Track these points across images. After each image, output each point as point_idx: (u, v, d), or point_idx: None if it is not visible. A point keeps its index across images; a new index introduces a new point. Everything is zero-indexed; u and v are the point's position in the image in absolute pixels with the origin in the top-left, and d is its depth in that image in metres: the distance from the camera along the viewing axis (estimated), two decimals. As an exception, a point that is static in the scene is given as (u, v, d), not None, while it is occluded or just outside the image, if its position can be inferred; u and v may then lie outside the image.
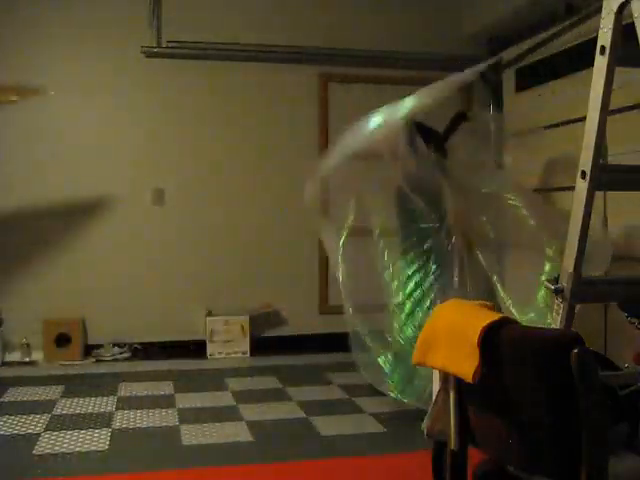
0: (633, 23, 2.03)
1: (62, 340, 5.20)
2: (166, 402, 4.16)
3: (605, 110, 2.15)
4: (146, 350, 5.45)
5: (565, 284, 2.21)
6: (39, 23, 5.17)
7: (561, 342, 1.56)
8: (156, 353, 5.43)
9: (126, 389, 4.47)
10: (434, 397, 1.92)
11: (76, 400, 4.16)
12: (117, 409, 4.02)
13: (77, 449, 3.35)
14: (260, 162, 5.66)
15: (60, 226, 5.30)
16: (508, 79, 5.80)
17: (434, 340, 1.85)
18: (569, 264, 2.22)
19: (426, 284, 4.06)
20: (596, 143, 2.15)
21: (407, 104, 3.94)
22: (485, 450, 1.85)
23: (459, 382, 1.79)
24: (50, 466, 3.14)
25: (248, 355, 5.44)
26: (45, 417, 3.83)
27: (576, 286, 2.21)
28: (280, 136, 5.61)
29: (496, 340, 1.67)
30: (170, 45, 5.42)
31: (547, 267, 3.63)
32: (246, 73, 5.55)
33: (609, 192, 3.88)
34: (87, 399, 4.19)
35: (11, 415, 3.85)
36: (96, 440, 3.47)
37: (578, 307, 2.26)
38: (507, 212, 3.97)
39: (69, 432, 3.58)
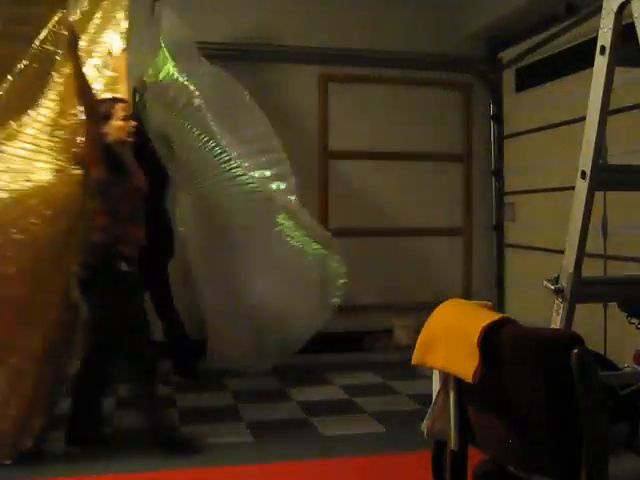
0: (633, 23, 2.03)
1: (62, 340, 5.18)
2: (166, 402, 4.15)
3: (605, 110, 2.15)
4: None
5: (565, 284, 2.22)
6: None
7: (561, 342, 1.57)
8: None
9: (126, 389, 4.46)
10: (434, 397, 1.92)
11: (76, 400, 4.15)
12: (117, 409, 4.01)
13: (77, 449, 3.34)
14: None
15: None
16: (508, 79, 5.80)
17: (434, 340, 1.85)
18: (569, 264, 2.22)
19: None
20: (596, 143, 2.15)
21: None
22: (485, 450, 1.85)
23: (459, 382, 1.79)
24: (50, 466, 3.14)
25: (248, 355, 5.44)
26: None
27: (576, 286, 2.21)
28: (280, 136, 5.60)
29: (496, 340, 1.67)
30: (170, 45, 5.41)
31: None
32: (246, 73, 5.54)
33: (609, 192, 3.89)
34: (87, 399, 4.18)
35: (11, 415, 3.84)
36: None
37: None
38: None
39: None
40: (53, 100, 3.35)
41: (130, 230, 3.37)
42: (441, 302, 1.94)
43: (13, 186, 3.24)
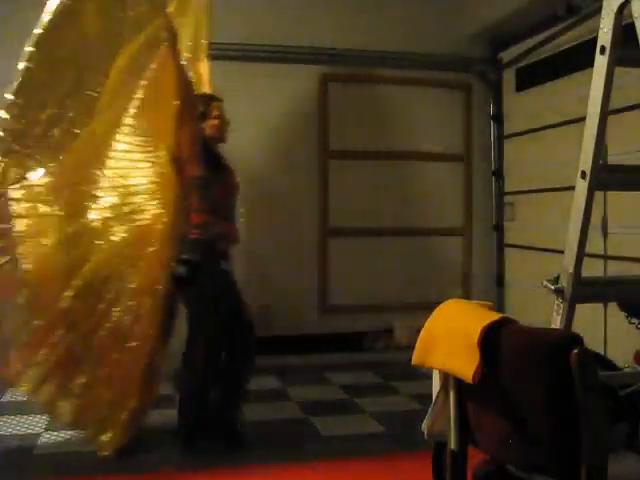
0: (633, 23, 2.03)
1: (62, 340, 5.18)
2: (166, 402, 4.15)
3: (605, 110, 2.15)
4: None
5: (565, 284, 2.22)
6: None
7: (561, 343, 1.57)
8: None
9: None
10: (434, 397, 1.92)
11: (76, 400, 4.15)
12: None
13: (77, 449, 3.35)
14: (260, 162, 5.66)
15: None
16: (508, 79, 5.80)
17: (434, 340, 1.85)
18: (569, 264, 2.22)
19: None
20: (596, 143, 2.15)
21: None
22: (485, 450, 1.85)
23: (459, 382, 1.79)
24: (50, 466, 3.14)
25: (248, 355, 5.43)
26: (45, 417, 3.82)
27: (576, 286, 2.21)
28: (280, 136, 5.61)
29: (496, 340, 1.67)
30: (170, 45, 5.41)
31: None
32: (246, 73, 5.55)
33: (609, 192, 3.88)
34: (87, 399, 4.19)
35: (11, 415, 3.85)
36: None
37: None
38: None
39: (69, 432, 3.57)
40: (147, 106, 3.34)
41: (228, 228, 3.41)
42: (441, 302, 1.94)
43: (119, 189, 3.28)
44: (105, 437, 3.20)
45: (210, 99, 3.51)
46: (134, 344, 3.18)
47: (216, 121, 3.41)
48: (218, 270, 3.34)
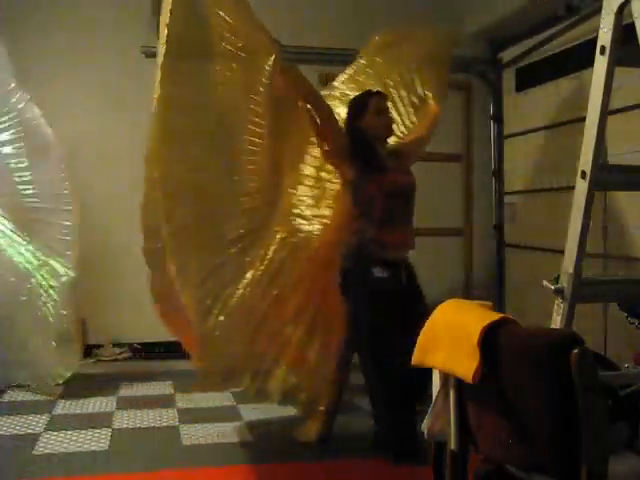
0: (633, 23, 2.03)
1: (62, 340, 5.18)
2: (166, 402, 4.16)
3: (605, 110, 2.16)
4: (146, 350, 5.44)
5: (565, 284, 2.22)
6: (38, 23, 5.17)
7: (561, 342, 1.57)
8: (156, 353, 5.43)
9: (126, 389, 4.46)
10: (434, 397, 1.92)
11: (76, 400, 4.16)
12: (117, 409, 4.01)
13: (77, 449, 3.34)
14: (260, 162, 5.66)
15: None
16: (508, 79, 5.80)
17: (434, 340, 1.85)
18: (569, 264, 2.22)
19: None
20: (596, 143, 2.16)
21: None
22: (485, 450, 1.85)
23: (459, 382, 1.79)
24: (50, 466, 3.14)
25: (248, 355, 5.43)
26: (45, 417, 3.82)
27: (576, 286, 2.21)
28: (280, 136, 5.61)
29: (496, 340, 1.67)
30: (170, 45, 5.40)
31: None
32: (246, 73, 5.55)
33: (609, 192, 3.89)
34: (87, 399, 4.19)
35: (11, 415, 3.85)
36: (96, 440, 3.47)
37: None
38: None
39: (69, 432, 3.58)
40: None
41: (385, 232, 3.14)
42: (441, 302, 1.94)
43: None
44: (308, 425, 3.24)
45: (369, 95, 3.31)
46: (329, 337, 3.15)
47: (371, 117, 3.20)
48: (368, 277, 3.12)
